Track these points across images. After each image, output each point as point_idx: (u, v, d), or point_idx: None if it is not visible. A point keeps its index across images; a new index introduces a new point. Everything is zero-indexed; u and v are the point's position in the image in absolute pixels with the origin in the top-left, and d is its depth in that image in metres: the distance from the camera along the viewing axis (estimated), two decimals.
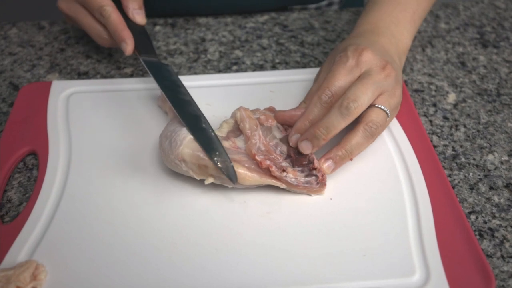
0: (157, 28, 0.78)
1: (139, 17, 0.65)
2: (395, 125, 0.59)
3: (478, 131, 0.62)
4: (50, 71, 0.71)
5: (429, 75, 0.70)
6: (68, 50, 0.74)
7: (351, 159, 0.53)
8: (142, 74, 0.69)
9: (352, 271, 0.46)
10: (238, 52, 0.73)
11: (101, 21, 0.63)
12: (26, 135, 0.59)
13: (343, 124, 0.52)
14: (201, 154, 0.50)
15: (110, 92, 0.65)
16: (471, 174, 0.57)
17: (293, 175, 0.52)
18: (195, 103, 0.56)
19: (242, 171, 0.50)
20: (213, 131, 0.53)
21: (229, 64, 0.71)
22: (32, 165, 0.58)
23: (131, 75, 0.70)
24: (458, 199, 0.54)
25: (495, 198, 0.54)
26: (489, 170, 0.57)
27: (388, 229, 0.50)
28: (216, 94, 0.64)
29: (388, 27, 0.61)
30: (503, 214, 0.53)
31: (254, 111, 0.56)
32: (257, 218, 0.51)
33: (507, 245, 0.50)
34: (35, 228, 0.50)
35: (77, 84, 0.66)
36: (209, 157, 0.50)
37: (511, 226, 0.52)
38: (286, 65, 0.71)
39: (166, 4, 0.81)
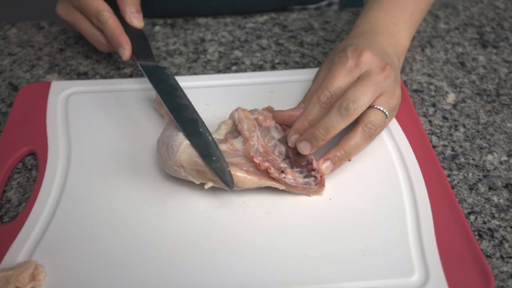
0: (157, 28, 0.78)
1: (137, 21, 0.65)
2: (394, 125, 0.59)
3: (478, 131, 0.62)
4: (49, 72, 0.71)
5: (429, 75, 0.70)
6: (67, 50, 0.74)
7: (349, 160, 0.53)
8: (142, 75, 0.69)
9: (352, 271, 0.46)
10: (237, 53, 0.73)
11: (99, 27, 0.63)
12: (26, 135, 0.59)
13: (342, 125, 0.52)
14: (199, 160, 0.50)
15: (110, 92, 0.65)
16: (470, 174, 0.57)
17: (291, 176, 0.52)
18: (192, 106, 0.56)
19: (241, 174, 0.50)
20: (210, 134, 0.52)
21: (229, 65, 0.71)
22: (31, 166, 0.58)
23: (131, 76, 0.70)
24: (457, 199, 0.54)
25: (495, 198, 0.54)
26: (488, 171, 0.57)
27: (388, 229, 0.50)
28: (216, 94, 0.64)
29: (387, 27, 0.61)
30: (502, 215, 0.53)
31: (252, 111, 0.56)
32: (257, 219, 0.51)
33: (506, 245, 0.50)
34: (34, 228, 0.50)
35: (77, 84, 0.66)
36: (205, 162, 0.50)
37: (511, 227, 0.52)
38: (286, 65, 0.71)
39: (166, 4, 0.81)
